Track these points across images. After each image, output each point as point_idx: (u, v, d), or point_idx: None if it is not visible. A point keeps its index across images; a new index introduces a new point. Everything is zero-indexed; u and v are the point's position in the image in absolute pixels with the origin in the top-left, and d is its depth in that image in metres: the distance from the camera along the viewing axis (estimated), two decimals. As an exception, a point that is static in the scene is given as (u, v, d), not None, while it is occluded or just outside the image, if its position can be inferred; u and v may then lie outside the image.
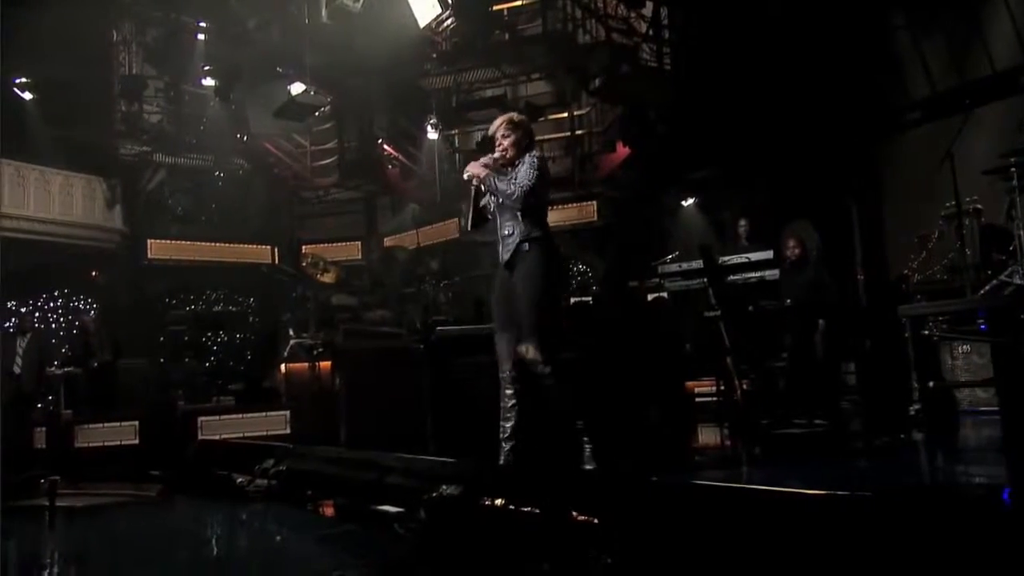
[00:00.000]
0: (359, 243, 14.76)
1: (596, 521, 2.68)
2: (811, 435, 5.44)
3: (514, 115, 4.17)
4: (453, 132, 14.03)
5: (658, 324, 6.28)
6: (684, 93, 9.50)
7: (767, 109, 8.29)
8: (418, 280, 11.39)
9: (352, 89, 12.91)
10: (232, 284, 13.84)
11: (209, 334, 12.83)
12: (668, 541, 2.49)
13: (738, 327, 5.29)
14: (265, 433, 8.18)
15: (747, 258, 5.45)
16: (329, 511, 4.46)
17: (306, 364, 8.53)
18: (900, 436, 4.92)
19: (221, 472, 5.47)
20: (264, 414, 8.62)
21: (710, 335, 5.42)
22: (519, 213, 3.88)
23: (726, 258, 5.61)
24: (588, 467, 3.75)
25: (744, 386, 5.33)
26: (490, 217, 4.07)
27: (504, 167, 4.02)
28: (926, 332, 5.57)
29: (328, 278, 10.68)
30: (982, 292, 5.64)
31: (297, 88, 11.25)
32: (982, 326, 5.49)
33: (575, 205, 11.87)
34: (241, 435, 8.03)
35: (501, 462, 3.80)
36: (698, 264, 5.46)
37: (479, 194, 4.06)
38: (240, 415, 8.67)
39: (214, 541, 4.31)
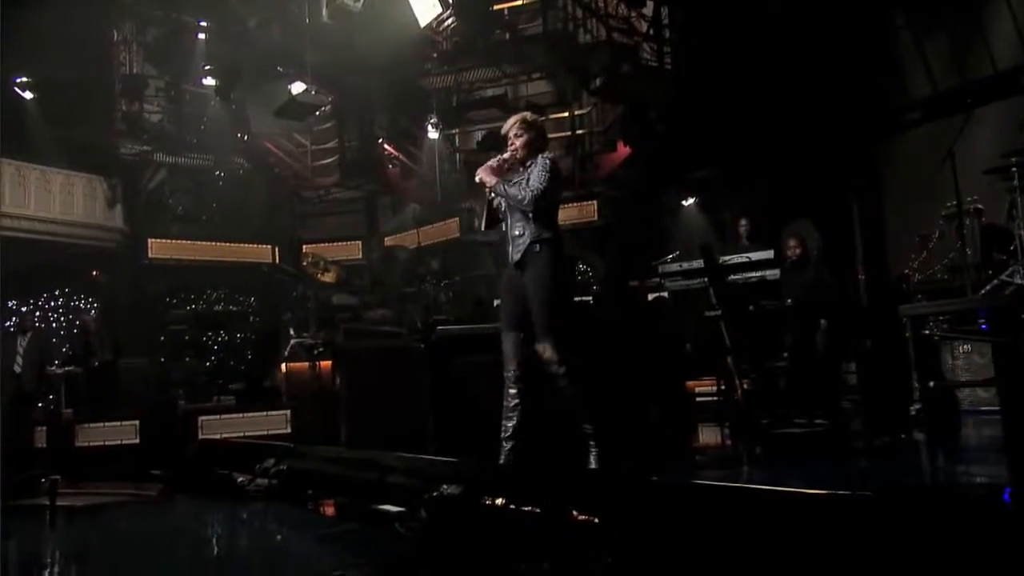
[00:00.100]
0: (359, 243, 14.76)
1: (597, 521, 2.68)
2: (812, 435, 5.44)
3: (527, 115, 4.15)
4: (454, 132, 14.03)
5: (658, 324, 6.28)
6: (685, 93, 9.50)
7: (768, 109, 8.29)
8: (419, 279, 11.38)
9: (353, 88, 12.91)
10: (233, 284, 13.85)
11: (210, 333, 12.82)
12: (669, 541, 2.48)
13: (739, 327, 5.29)
14: (266, 432, 8.18)
15: (748, 258, 5.45)
16: (330, 510, 4.46)
17: (307, 363, 8.52)
18: (901, 436, 4.92)
19: (222, 471, 5.47)
20: (265, 413, 8.62)
21: (710, 335, 5.41)
22: (530, 214, 3.88)
23: (727, 258, 5.61)
24: (590, 467, 3.75)
25: (745, 386, 5.32)
26: (502, 217, 4.06)
27: (514, 166, 4.00)
28: (927, 332, 5.56)
29: (328, 277, 10.67)
30: (983, 292, 5.64)
31: (298, 87, 11.25)
32: (983, 326, 5.49)
33: (575, 205, 11.87)
34: (242, 434, 8.03)
35: (501, 461, 3.80)
36: (699, 264, 5.45)
37: (491, 195, 4.05)
38: (241, 414, 8.66)
39: (215, 540, 4.31)
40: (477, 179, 4.04)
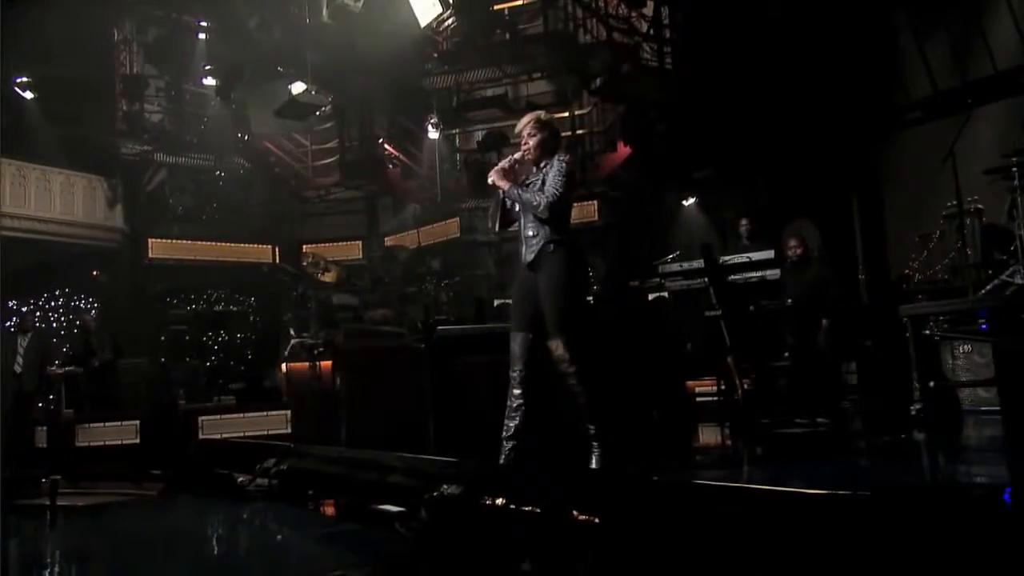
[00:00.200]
0: (360, 243, 14.77)
1: (597, 521, 2.68)
2: (812, 435, 5.45)
3: (541, 114, 4.11)
4: (454, 131, 14.04)
5: (659, 324, 6.27)
6: (685, 92, 9.50)
7: (768, 108, 8.29)
8: (419, 279, 11.39)
9: (353, 88, 12.92)
10: (233, 283, 13.85)
11: (210, 333, 12.83)
12: (669, 541, 2.48)
13: (739, 327, 5.29)
14: (266, 432, 8.17)
15: (748, 258, 5.45)
16: (330, 510, 4.46)
17: (307, 364, 8.51)
18: (901, 436, 4.92)
19: (222, 471, 5.46)
20: (265, 413, 8.62)
21: (711, 335, 5.41)
22: (542, 216, 3.87)
23: (727, 257, 5.61)
24: (591, 467, 3.75)
25: (745, 385, 5.33)
26: (515, 218, 4.05)
27: (527, 167, 3.99)
28: (927, 332, 5.57)
29: (329, 278, 10.67)
30: (983, 292, 5.64)
31: (298, 87, 11.25)
32: (983, 326, 5.50)
33: (576, 204, 11.78)
34: (242, 434, 8.03)
35: (502, 461, 3.80)
36: (699, 264, 5.46)
37: (504, 194, 4.04)
38: (241, 414, 8.66)
39: (215, 540, 4.31)
40: (490, 181, 4.01)
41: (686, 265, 5.59)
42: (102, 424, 8.80)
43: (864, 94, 8.28)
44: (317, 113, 12.93)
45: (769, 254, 5.44)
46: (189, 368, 11.32)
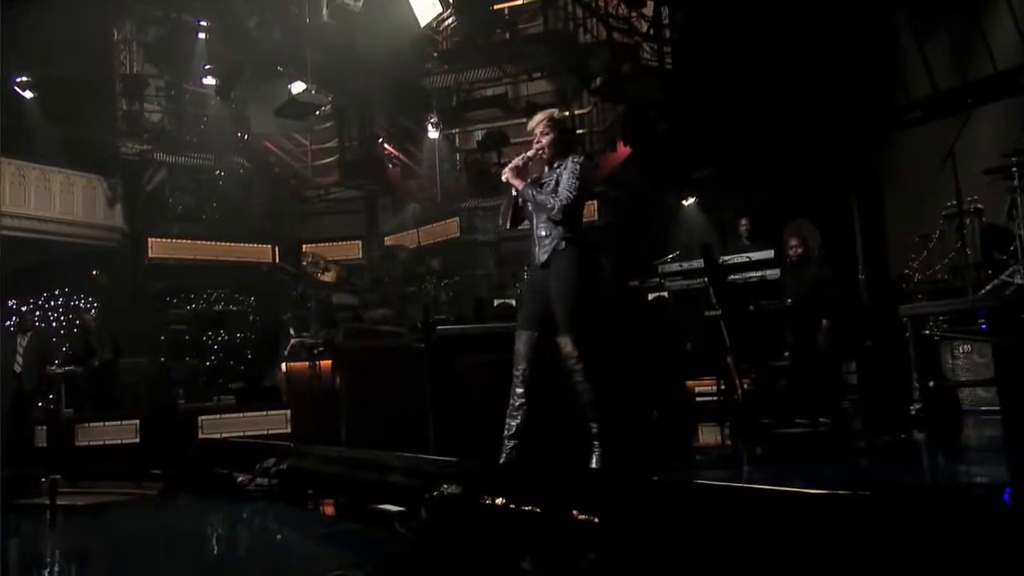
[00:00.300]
0: (360, 242, 14.77)
1: (597, 521, 2.68)
2: (812, 434, 5.45)
3: (554, 112, 4.11)
4: (454, 131, 14.04)
5: (659, 323, 6.28)
6: (685, 92, 9.49)
7: (768, 108, 8.29)
8: (419, 279, 11.39)
9: (353, 88, 12.92)
10: (233, 283, 13.85)
11: (210, 333, 12.83)
12: (669, 541, 2.48)
13: (739, 326, 5.29)
14: (266, 432, 8.18)
15: (748, 257, 5.45)
16: (330, 510, 4.46)
17: (307, 363, 8.51)
18: (901, 436, 4.93)
19: (222, 471, 5.46)
20: (265, 413, 8.62)
21: (711, 334, 5.41)
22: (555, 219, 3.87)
23: (727, 257, 5.61)
24: (591, 467, 3.75)
25: (745, 385, 5.33)
26: (526, 216, 4.04)
27: (540, 166, 3.99)
28: (927, 332, 5.57)
29: (329, 277, 10.67)
30: (983, 292, 5.64)
31: (298, 87, 11.25)
32: (983, 326, 5.50)
33: (577, 204, 11.86)
34: (242, 434, 8.03)
35: (503, 460, 3.79)
36: (699, 263, 5.46)
37: (517, 192, 4.03)
38: (241, 414, 8.66)
39: (215, 540, 4.31)
40: (504, 179, 4.01)
41: (686, 265, 5.58)
42: (102, 423, 8.80)
43: (864, 94, 8.28)
44: (317, 113, 12.93)
45: (769, 254, 5.44)
46: (189, 368, 11.33)
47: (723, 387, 5.66)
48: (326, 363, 8.11)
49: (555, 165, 3.94)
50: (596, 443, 3.75)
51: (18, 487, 6.02)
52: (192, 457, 6.65)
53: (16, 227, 11.40)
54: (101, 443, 8.62)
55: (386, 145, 13.81)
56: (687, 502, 2.65)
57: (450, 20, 12.28)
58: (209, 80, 12.70)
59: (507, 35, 11.86)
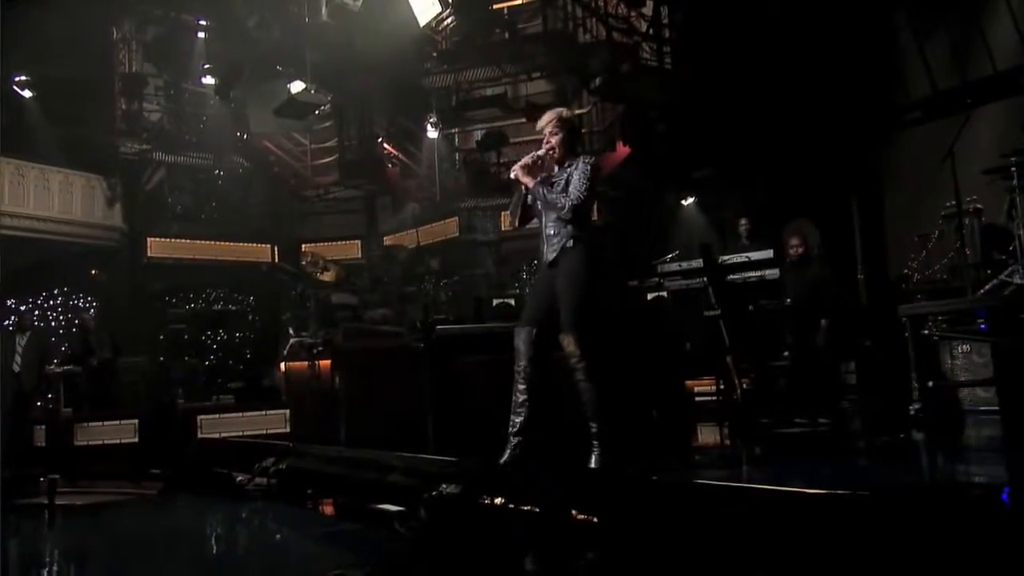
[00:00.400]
0: (359, 242, 14.78)
1: (596, 520, 2.68)
2: (811, 434, 5.45)
3: (563, 111, 4.08)
4: (453, 131, 14.03)
5: (658, 323, 6.28)
6: (684, 92, 9.49)
7: (768, 108, 8.29)
8: (418, 279, 11.40)
9: (352, 88, 12.91)
10: (232, 283, 13.85)
11: (209, 332, 12.84)
12: (668, 540, 2.48)
13: (738, 326, 5.29)
14: (265, 432, 8.18)
15: (747, 257, 5.45)
16: (329, 510, 4.46)
17: (306, 363, 8.51)
18: (900, 436, 4.93)
19: (221, 470, 5.47)
20: (264, 413, 8.62)
21: (710, 334, 5.41)
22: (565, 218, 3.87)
23: (726, 257, 5.61)
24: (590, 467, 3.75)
25: (744, 385, 5.33)
26: (535, 215, 4.04)
27: (549, 165, 3.98)
28: (926, 331, 5.57)
29: (328, 277, 10.67)
30: (982, 292, 5.65)
31: (297, 87, 11.25)
32: (982, 326, 5.50)
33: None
34: (241, 434, 8.03)
35: (507, 457, 3.79)
36: (698, 263, 5.45)
37: (526, 191, 4.03)
38: (240, 414, 8.66)
39: (214, 540, 4.31)
40: (512, 175, 3.99)
41: (685, 265, 5.58)
42: (101, 423, 8.81)
43: (864, 94, 8.29)
44: (316, 112, 12.92)
45: (768, 254, 5.44)
46: (188, 367, 11.33)
47: (722, 387, 5.66)
48: (325, 363, 8.12)
49: (565, 165, 3.94)
50: (595, 443, 3.75)
51: (17, 487, 6.01)
52: (191, 457, 6.65)
53: (15, 227, 11.39)
54: (100, 443, 8.62)
55: (385, 145, 13.81)
56: (686, 502, 2.66)
57: (449, 20, 12.28)
58: (208, 79, 12.69)
59: (506, 35, 11.85)
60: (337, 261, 11.71)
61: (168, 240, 13.31)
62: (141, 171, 13.05)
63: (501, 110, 12.91)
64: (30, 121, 11.55)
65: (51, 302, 12.27)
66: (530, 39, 11.84)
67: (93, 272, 12.47)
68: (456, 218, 13.56)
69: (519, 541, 2.91)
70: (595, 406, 3.75)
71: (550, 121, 3.99)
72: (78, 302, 12.39)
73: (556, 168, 3.97)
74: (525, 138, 11.77)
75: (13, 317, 10.37)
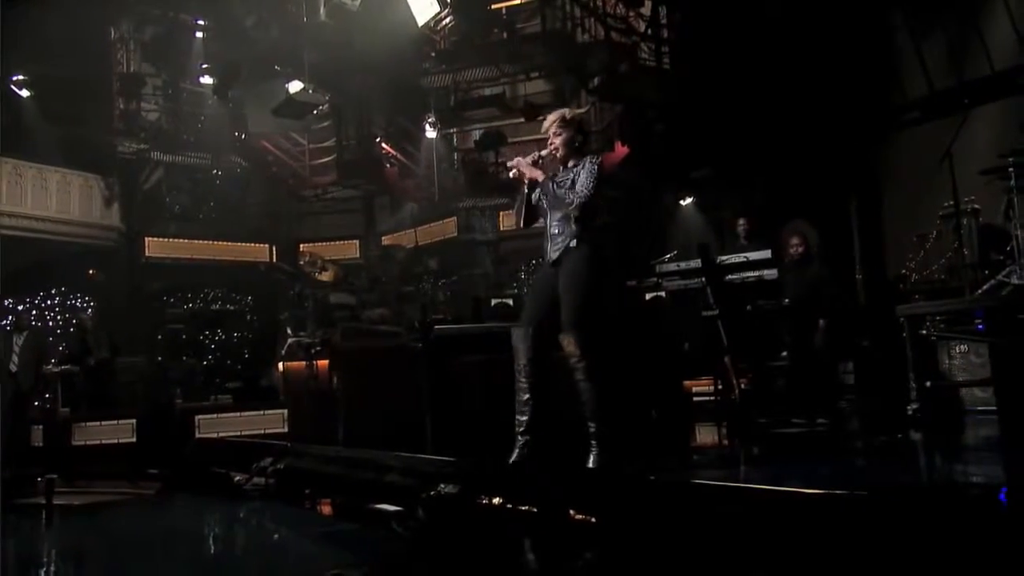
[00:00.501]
0: (357, 242, 14.77)
1: (594, 520, 2.68)
2: (809, 434, 5.45)
3: (566, 112, 4.08)
4: (452, 131, 14.03)
5: (656, 323, 6.27)
6: (683, 92, 9.50)
7: (766, 108, 8.29)
8: (416, 279, 11.39)
9: (350, 88, 12.90)
10: (230, 282, 13.84)
11: (207, 332, 12.83)
12: (667, 540, 2.49)
13: (736, 326, 5.29)
14: (263, 432, 8.17)
15: (745, 257, 5.45)
16: (327, 509, 4.46)
17: (304, 363, 8.52)
18: (898, 436, 4.93)
19: (219, 470, 5.46)
20: (262, 412, 8.62)
21: (708, 334, 5.41)
22: (570, 215, 3.86)
23: (724, 257, 5.61)
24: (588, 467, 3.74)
25: (742, 385, 5.33)
26: (540, 214, 4.04)
27: (554, 165, 3.98)
28: (924, 332, 5.58)
29: (326, 277, 10.66)
30: (980, 292, 5.65)
31: (295, 86, 11.24)
32: (980, 326, 5.51)
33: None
34: (238, 433, 8.02)
35: (515, 457, 3.79)
36: (696, 263, 5.45)
37: (531, 191, 4.03)
38: (238, 413, 8.66)
39: (212, 539, 4.30)
40: (523, 170, 3.97)
41: (683, 265, 5.58)
42: (98, 423, 8.80)
43: (861, 94, 8.29)
44: (314, 112, 12.91)
45: (766, 254, 5.44)
46: (186, 367, 11.32)
47: (720, 387, 5.66)
48: (323, 363, 8.12)
49: (571, 164, 3.93)
50: (594, 443, 3.74)
51: (15, 486, 6.01)
52: (189, 457, 6.65)
53: (13, 226, 11.38)
54: (98, 443, 8.61)
55: (384, 145, 13.80)
56: (685, 502, 2.66)
57: (448, 19, 12.27)
58: (206, 79, 12.67)
59: (505, 35, 11.84)
60: (335, 261, 11.70)
61: (166, 240, 13.30)
62: (139, 171, 13.03)
63: (499, 110, 12.91)
64: (28, 121, 11.53)
65: (49, 302, 12.25)
66: (528, 39, 11.83)
67: (91, 272, 12.45)
68: (454, 218, 13.56)
69: (517, 541, 2.90)
70: (594, 406, 3.75)
71: (553, 122, 4.00)
72: (76, 302, 12.38)
73: (561, 168, 3.97)
74: (524, 138, 11.78)
75: (11, 317, 10.36)
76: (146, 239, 13.07)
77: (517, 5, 12.15)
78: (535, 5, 11.81)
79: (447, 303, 10.88)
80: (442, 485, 3.33)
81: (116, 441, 8.57)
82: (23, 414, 9.07)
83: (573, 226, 3.86)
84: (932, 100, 8.01)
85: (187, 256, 13.36)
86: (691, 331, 6.16)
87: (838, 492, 2.41)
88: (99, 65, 12.60)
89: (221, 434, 8.03)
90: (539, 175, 3.93)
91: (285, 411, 8.50)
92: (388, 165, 13.91)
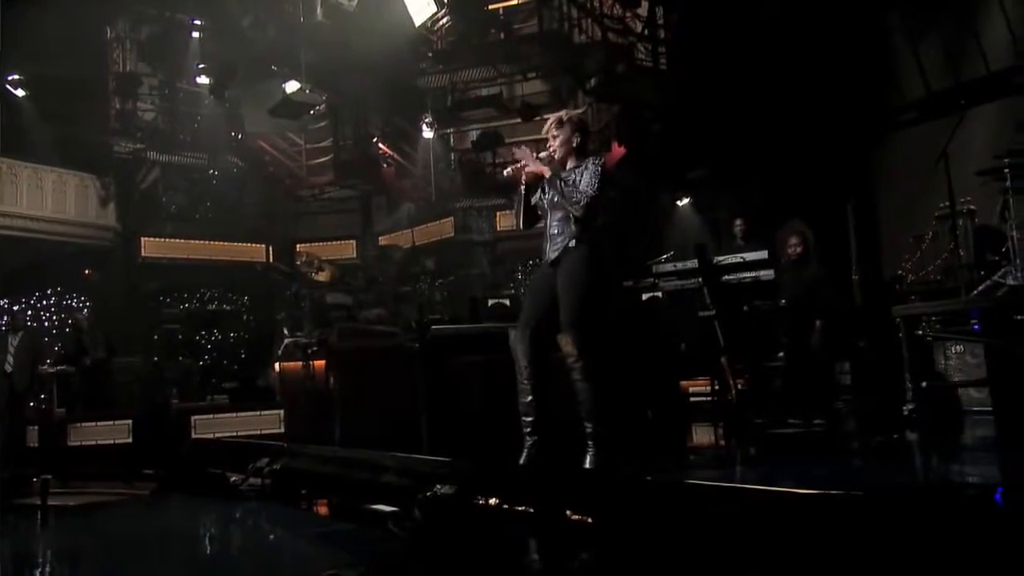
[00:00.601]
0: (354, 242, 14.77)
1: (590, 521, 2.68)
2: (805, 435, 5.46)
3: (563, 113, 4.07)
4: (448, 131, 14.03)
5: (653, 324, 6.28)
6: (680, 93, 9.50)
7: (763, 109, 8.30)
8: (413, 279, 11.37)
9: (347, 87, 12.90)
10: (226, 283, 13.82)
11: (203, 332, 12.81)
12: (663, 541, 2.48)
13: (733, 327, 5.29)
14: (259, 432, 8.16)
15: (742, 258, 5.45)
16: (323, 510, 4.45)
17: (300, 363, 8.50)
18: (894, 436, 4.94)
19: (215, 471, 5.45)
20: (258, 413, 8.60)
21: (705, 335, 5.42)
22: (570, 215, 3.86)
23: (721, 258, 5.62)
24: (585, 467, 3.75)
25: (739, 386, 5.33)
26: (541, 215, 4.03)
27: (553, 165, 3.97)
28: (920, 332, 5.59)
29: (323, 277, 10.65)
30: (975, 293, 5.66)
31: (292, 86, 11.24)
32: (975, 326, 5.52)
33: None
34: (235, 434, 8.01)
35: (524, 458, 3.79)
36: (693, 264, 5.46)
37: (529, 192, 4.02)
38: (234, 414, 8.64)
39: (208, 540, 4.29)
40: (533, 167, 3.94)
41: (680, 265, 5.58)
42: (94, 423, 8.77)
43: (858, 95, 8.31)
44: (311, 112, 12.91)
45: (763, 254, 5.44)
46: (182, 367, 11.31)
47: (717, 387, 5.67)
48: (320, 363, 8.11)
49: (569, 166, 3.92)
50: (590, 443, 3.74)
51: (10, 487, 5.99)
52: (185, 457, 6.63)
53: (8, 226, 11.36)
54: (93, 443, 8.59)
55: (381, 145, 13.80)
56: (681, 502, 2.66)
57: (445, 20, 12.26)
58: (203, 79, 12.67)
59: (502, 35, 11.85)
60: (332, 261, 11.68)
61: (162, 240, 13.28)
62: (135, 170, 13.02)
63: (496, 110, 12.92)
64: (23, 120, 11.53)
65: (44, 302, 12.23)
66: (526, 39, 11.84)
67: (87, 272, 12.43)
68: (451, 218, 13.56)
69: (514, 541, 2.90)
70: (591, 406, 3.75)
71: (550, 125, 4.01)
72: (71, 302, 12.35)
73: (562, 169, 3.97)
74: (521, 138, 11.76)
75: (6, 317, 10.34)
76: (142, 239, 13.06)
77: (514, 5, 12.15)
78: (532, 5, 11.81)
79: (444, 303, 10.87)
80: (438, 485, 3.32)
81: (112, 441, 8.55)
82: (19, 414, 9.05)
83: (572, 226, 3.86)
84: (928, 101, 8.03)
85: (183, 256, 13.34)
86: (688, 331, 6.16)
87: (834, 492, 2.41)
88: (95, 65, 12.58)
89: (217, 434, 8.02)
90: (546, 171, 3.91)
91: (281, 411, 8.49)
92: (385, 165, 13.91)
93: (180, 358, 11.55)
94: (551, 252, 3.91)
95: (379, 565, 3.19)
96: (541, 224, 4.04)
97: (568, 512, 2.74)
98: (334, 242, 14.45)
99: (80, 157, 12.25)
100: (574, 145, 3.97)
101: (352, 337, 8.19)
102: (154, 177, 13.34)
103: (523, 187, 4.01)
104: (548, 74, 12.55)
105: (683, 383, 6.43)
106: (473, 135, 13.58)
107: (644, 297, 6.98)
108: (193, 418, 8.49)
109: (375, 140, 13.71)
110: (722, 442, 5.38)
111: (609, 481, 3.25)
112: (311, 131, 14.42)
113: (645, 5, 10.28)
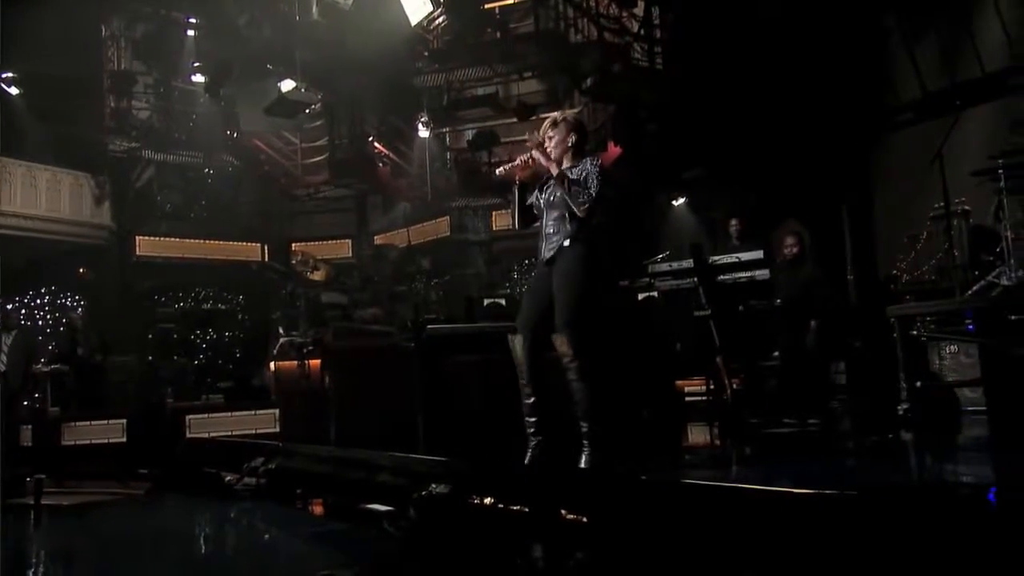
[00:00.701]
0: (349, 241, 14.74)
1: (585, 520, 2.68)
2: (801, 434, 5.47)
3: (557, 115, 4.06)
4: (444, 130, 14.01)
5: (648, 323, 6.28)
6: (675, 92, 9.52)
7: (758, 109, 8.31)
8: (409, 278, 11.37)
9: (343, 87, 12.87)
10: (221, 282, 13.79)
11: (198, 332, 12.77)
12: (658, 540, 2.48)
13: (728, 326, 5.30)
14: (254, 431, 8.14)
15: (737, 258, 5.45)
16: (318, 509, 4.45)
17: (296, 362, 8.49)
18: (889, 436, 4.95)
19: (209, 470, 5.44)
20: (253, 412, 8.58)
21: (700, 334, 5.42)
22: (567, 215, 3.84)
23: (716, 257, 5.62)
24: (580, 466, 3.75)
25: (734, 385, 5.34)
26: (537, 214, 4.01)
27: (550, 166, 3.95)
28: (915, 332, 5.61)
29: (318, 276, 10.63)
30: (970, 293, 5.68)
31: (287, 85, 11.20)
32: (970, 326, 5.54)
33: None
34: (230, 433, 7.99)
35: (529, 459, 3.79)
36: (688, 264, 5.46)
37: (524, 191, 4.00)
38: (229, 413, 8.62)
39: (202, 540, 4.28)
40: (501, 172, 3.95)
41: (676, 265, 5.58)
42: (88, 423, 8.75)
43: (854, 96, 8.33)
44: (307, 111, 12.86)
45: (758, 254, 5.44)
46: (177, 366, 11.27)
47: (712, 387, 5.66)
48: (315, 362, 8.10)
49: (565, 165, 3.90)
50: (586, 442, 3.75)
51: (3, 487, 5.96)
52: (180, 457, 6.62)
53: (2, 224, 11.31)
54: (88, 442, 8.56)
55: (376, 144, 13.78)
56: (676, 502, 2.66)
57: (441, 19, 12.25)
58: (198, 77, 12.61)
59: (498, 34, 11.83)
60: (327, 260, 11.67)
61: (157, 239, 13.24)
62: (130, 169, 12.96)
63: (492, 110, 12.90)
64: (17, 119, 11.45)
65: (38, 301, 12.18)
66: (521, 39, 11.83)
67: (81, 271, 12.38)
68: (447, 217, 13.54)
69: (509, 541, 2.90)
70: (586, 406, 3.75)
71: (546, 127, 4.00)
72: (66, 301, 12.31)
73: (555, 170, 3.96)
74: (516, 138, 11.77)
75: (-1, 315, 10.28)
76: (137, 238, 13.01)
77: (510, 5, 12.14)
78: (528, 5, 11.80)
79: (439, 303, 10.86)
80: (434, 485, 3.32)
81: (106, 441, 8.52)
82: (12, 414, 9.02)
83: (568, 225, 3.85)
84: (924, 101, 8.06)
85: (178, 255, 13.30)
86: (683, 331, 6.16)
87: (829, 492, 2.41)
88: (90, 63, 12.51)
89: (212, 434, 7.99)
90: (554, 167, 3.88)
91: (276, 411, 8.46)
92: (381, 164, 13.89)
93: (175, 357, 11.51)
94: (546, 251, 3.91)
95: (374, 565, 3.18)
96: (537, 224, 4.03)
97: (564, 511, 2.74)
98: (329, 241, 14.43)
99: (75, 155, 12.19)
100: (570, 145, 3.96)
101: (347, 336, 8.19)
102: (149, 176, 13.30)
103: (516, 186, 4.00)
104: (544, 74, 12.54)
105: (678, 383, 6.43)
106: (469, 134, 13.56)
107: (640, 297, 6.99)
108: (188, 417, 8.47)
109: (371, 139, 13.69)
110: (717, 442, 5.38)
111: (604, 481, 3.25)
112: (307, 130, 14.39)
113: (641, 5, 10.29)
